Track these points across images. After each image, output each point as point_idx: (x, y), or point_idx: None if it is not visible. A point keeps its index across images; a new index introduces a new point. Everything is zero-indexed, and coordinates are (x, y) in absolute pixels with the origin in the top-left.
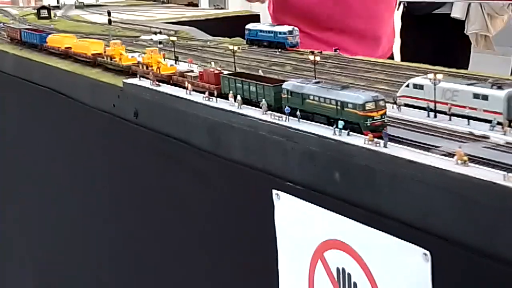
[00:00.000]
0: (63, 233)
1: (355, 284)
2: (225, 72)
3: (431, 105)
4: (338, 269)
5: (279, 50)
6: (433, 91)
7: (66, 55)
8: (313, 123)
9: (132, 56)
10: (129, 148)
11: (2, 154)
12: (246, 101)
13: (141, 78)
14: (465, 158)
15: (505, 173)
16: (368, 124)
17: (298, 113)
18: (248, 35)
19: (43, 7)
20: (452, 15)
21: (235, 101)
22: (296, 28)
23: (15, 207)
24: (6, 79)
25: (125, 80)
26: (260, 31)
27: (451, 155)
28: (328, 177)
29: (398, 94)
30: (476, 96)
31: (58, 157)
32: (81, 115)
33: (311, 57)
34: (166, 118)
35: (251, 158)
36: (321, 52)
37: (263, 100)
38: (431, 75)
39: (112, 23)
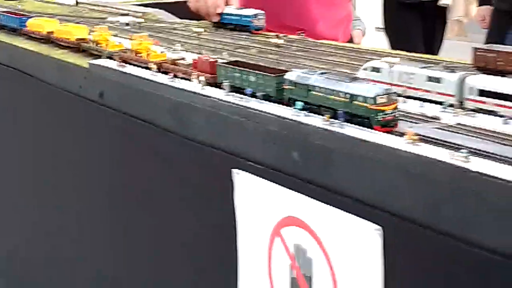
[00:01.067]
0: (27, 209)
1: (310, 259)
2: (222, 60)
3: (397, 88)
4: (295, 245)
5: (246, 33)
6: (389, 74)
7: (48, 40)
8: (274, 104)
9: (119, 42)
10: (95, 129)
11: None
12: (243, 91)
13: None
14: (415, 137)
15: (452, 151)
16: (380, 119)
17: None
18: (221, 18)
19: None
20: (439, 3)
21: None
22: (261, 12)
23: None
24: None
25: (91, 61)
26: (226, 14)
27: (403, 135)
28: (287, 156)
29: (360, 74)
30: (430, 79)
31: (26, 138)
32: (48, 96)
33: (274, 40)
34: (131, 99)
35: (212, 138)
36: (286, 36)
37: (264, 90)
38: (387, 59)
39: (79, 5)
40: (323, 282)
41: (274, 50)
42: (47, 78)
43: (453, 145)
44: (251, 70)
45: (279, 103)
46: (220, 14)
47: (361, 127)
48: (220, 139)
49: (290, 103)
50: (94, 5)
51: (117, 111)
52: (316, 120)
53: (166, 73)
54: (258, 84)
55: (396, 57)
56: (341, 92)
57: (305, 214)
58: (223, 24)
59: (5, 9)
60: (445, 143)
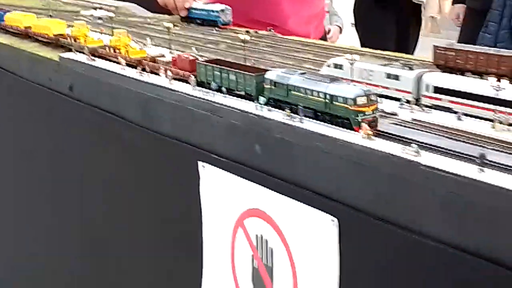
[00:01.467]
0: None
1: (271, 249)
2: (202, 58)
3: (356, 84)
4: (256, 236)
5: (215, 28)
6: (350, 71)
7: (25, 35)
8: (238, 98)
9: (98, 38)
10: (64, 120)
11: None
12: (226, 90)
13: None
14: (370, 132)
15: (404, 146)
16: (359, 120)
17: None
18: (189, 13)
19: None
20: (414, 0)
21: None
22: (228, 7)
23: None
24: None
25: (61, 55)
26: (194, 9)
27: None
28: (249, 149)
29: (323, 70)
30: (388, 76)
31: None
32: (19, 89)
33: (242, 36)
34: (100, 92)
35: (179, 131)
36: (256, 32)
37: (244, 89)
38: (349, 56)
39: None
40: (283, 272)
41: (242, 46)
42: (18, 71)
43: (406, 140)
44: (231, 69)
45: (250, 100)
46: (188, 9)
47: (320, 122)
48: (185, 132)
49: (270, 102)
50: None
51: (86, 103)
52: (277, 115)
53: (144, 69)
54: (238, 83)
55: (360, 54)
56: (321, 92)
57: (267, 206)
58: (191, 18)
59: None
60: (399, 138)
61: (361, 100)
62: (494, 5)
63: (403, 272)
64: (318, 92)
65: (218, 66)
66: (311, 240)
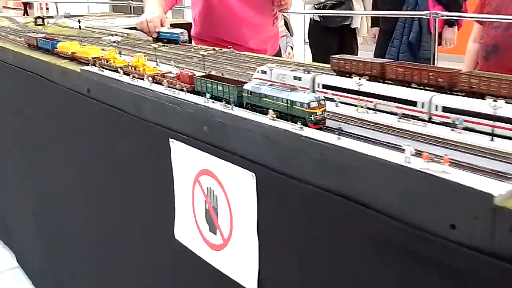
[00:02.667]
0: (41, 180)
1: (216, 196)
2: (197, 74)
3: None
4: (207, 188)
5: (193, 48)
6: (271, 75)
7: (72, 58)
8: (193, 95)
9: (123, 59)
10: (83, 114)
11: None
12: (215, 98)
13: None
14: (274, 115)
15: (293, 124)
16: (312, 119)
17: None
18: (159, 35)
19: (39, 17)
20: (352, 26)
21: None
22: (185, 31)
23: (13, 157)
24: (21, 74)
25: (81, 68)
26: (162, 32)
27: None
28: (200, 129)
29: (253, 77)
30: (295, 77)
31: (41, 122)
32: (55, 92)
33: (201, 52)
34: (107, 93)
35: (156, 117)
36: (220, 49)
37: (228, 97)
38: (269, 64)
39: (83, 28)
40: (224, 212)
41: (209, 59)
42: (56, 80)
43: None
44: (219, 82)
45: (240, 106)
46: (158, 32)
47: (245, 110)
48: (161, 118)
49: (247, 107)
50: (95, 28)
51: (99, 101)
52: (217, 105)
53: (159, 83)
54: (224, 92)
55: (280, 63)
56: (283, 99)
57: (213, 167)
58: (160, 39)
59: (40, 35)
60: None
61: (313, 104)
62: (397, 27)
63: (296, 211)
64: (282, 98)
65: (209, 79)
66: (240, 189)
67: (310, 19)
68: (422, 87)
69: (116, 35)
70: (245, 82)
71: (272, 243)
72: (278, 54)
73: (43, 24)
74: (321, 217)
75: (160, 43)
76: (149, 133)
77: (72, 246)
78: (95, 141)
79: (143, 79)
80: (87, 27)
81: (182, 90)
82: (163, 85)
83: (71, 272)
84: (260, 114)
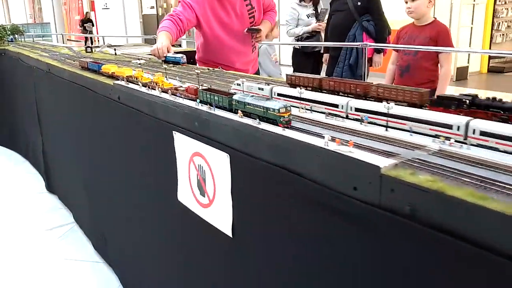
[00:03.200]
0: (88, 161)
1: (204, 171)
2: (201, 88)
3: (246, 92)
4: (198, 164)
5: (192, 68)
6: (243, 86)
7: (112, 76)
8: (182, 98)
9: (148, 77)
10: (115, 115)
11: (52, 121)
12: (211, 105)
13: (149, 89)
14: (241, 114)
15: (252, 120)
16: (282, 120)
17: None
18: (166, 58)
19: (89, 47)
20: (322, 52)
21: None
22: (183, 55)
23: (69, 144)
24: (73, 86)
25: (114, 81)
26: (168, 56)
27: (237, 112)
28: (193, 124)
29: (232, 87)
30: (259, 88)
31: (87, 120)
32: (96, 99)
33: (196, 71)
34: (131, 99)
35: (165, 116)
36: (213, 69)
37: (222, 104)
38: (242, 79)
39: (119, 54)
40: (209, 181)
41: (203, 75)
42: (98, 90)
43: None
44: (215, 94)
45: (230, 111)
46: (165, 57)
47: (222, 111)
48: (167, 117)
49: (235, 111)
50: (127, 54)
51: (126, 105)
52: (204, 107)
53: (174, 95)
54: (219, 101)
55: (251, 79)
56: (261, 106)
57: (202, 150)
58: (167, 61)
59: (90, 60)
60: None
61: (282, 110)
62: (341, 54)
63: (256, 180)
64: (260, 105)
65: (209, 91)
66: (219, 165)
67: (293, 47)
68: (346, 95)
69: (141, 59)
70: (234, 94)
71: (240, 202)
72: (257, 72)
73: (91, 52)
74: (271, 183)
75: (168, 65)
76: (159, 127)
77: (109, 209)
78: (123, 133)
79: (157, 90)
80: (122, 53)
81: (189, 99)
82: (168, 93)
83: (109, 227)
84: (232, 113)
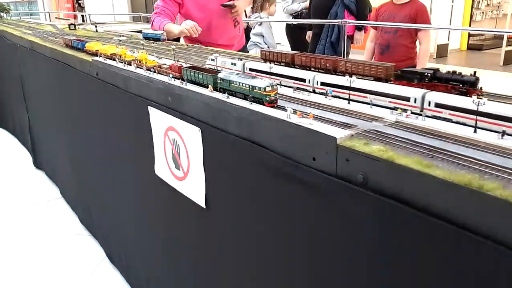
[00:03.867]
0: (71, 135)
1: (178, 145)
2: (184, 65)
3: (218, 68)
4: (173, 139)
5: (170, 44)
6: (217, 61)
7: (96, 54)
8: (160, 75)
9: (131, 54)
10: (93, 89)
11: (37, 98)
12: (196, 83)
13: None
14: (211, 88)
15: (223, 94)
16: (267, 99)
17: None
18: (144, 35)
19: (72, 24)
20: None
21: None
22: (163, 32)
23: (53, 119)
24: (54, 64)
25: (92, 58)
26: (148, 33)
27: (208, 87)
28: (166, 99)
29: (206, 62)
30: (232, 63)
31: (65, 97)
32: (76, 75)
33: (172, 47)
34: (110, 74)
35: (139, 91)
36: (192, 45)
37: (207, 83)
38: (216, 55)
39: (101, 32)
40: (183, 155)
41: (181, 51)
42: (77, 67)
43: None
44: (199, 71)
45: (215, 90)
46: (145, 33)
47: (194, 85)
48: (142, 92)
49: (220, 90)
50: (108, 32)
51: (104, 81)
52: (177, 82)
53: (158, 72)
54: (203, 79)
55: (228, 54)
56: (247, 84)
57: (175, 124)
58: (147, 38)
59: (74, 38)
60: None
61: (268, 88)
62: (323, 31)
63: (225, 151)
64: (245, 84)
65: (193, 69)
66: (192, 139)
67: (286, 24)
68: (317, 70)
69: (122, 36)
70: (219, 72)
71: (212, 173)
72: (244, 48)
73: (74, 29)
74: (239, 155)
75: (149, 41)
76: (135, 102)
77: (93, 183)
78: (103, 108)
79: (142, 68)
80: (105, 30)
81: (174, 77)
82: (142, 69)
83: (93, 201)
84: (203, 87)
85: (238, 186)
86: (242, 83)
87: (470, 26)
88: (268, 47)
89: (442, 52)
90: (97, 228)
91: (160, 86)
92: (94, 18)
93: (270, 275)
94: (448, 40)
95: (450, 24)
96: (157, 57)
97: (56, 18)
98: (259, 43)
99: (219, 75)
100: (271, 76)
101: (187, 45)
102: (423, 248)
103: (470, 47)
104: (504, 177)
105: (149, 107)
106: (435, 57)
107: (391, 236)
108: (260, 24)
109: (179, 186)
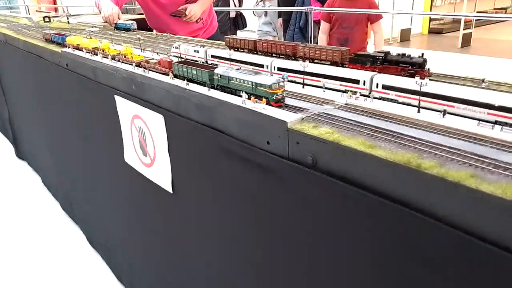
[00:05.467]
0: (48, 125)
1: (144, 132)
2: (174, 60)
3: (182, 56)
4: (139, 126)
5: (139, 33)
6: (180, 49)
7: (77, 48)
8: (124, 64)
9: (115, 49)
10: (64, 80)
11: (15, 90)
12: (190, 80)
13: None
14: (172, 75)
15: (182, 81)
16: (274, 98)
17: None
18: (117, 25)
19: (47, 16)
20: None
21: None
22: (134, 22)
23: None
24: (27, 56)
25: (62, 49)
26: (119, 23)
27: (169, 74)
28: (131, 87)
29: (171, 51)
30: (195, 51)
31: (39, 88)
32: (48, 67)
33: (139, 36)
34: (78, 65)
35: (105, 81)
36: (162, 34)
37: (202, 80)
38: (180, 42)
39: (72, 23)
40: (149, 142)
41: (149, 39)
42: (48, 58)
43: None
44: (194, 67)
45: (211, 88)
46: (116, 23)
47: (156, 74)
48: (109, 81)
49: (217, 88)
50: (81, 23)
51: (75, 72)
52: (139, 71)
53: (144, 68)
54: (198, 75)
55: (191, 42)
56: (249, 81)
57: (141, 113)
58: (118, 28)
59: (53, 31)
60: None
61: (275, 86)
62: (292, 17)
63: (186, 136)
64: (248, 81)
65: (185, 65)
66: (156, 126)
67: None
68: (278, 56)
69: (94, 27)
70: (215, 67)
71: (177, 159)
72: (215, 36)
73: (49, 21)
74: (200, 140)
75: (119, 31)
76: (103, 91)
77: (71, 170)
78: (75, 98)
79: (131, 64)
80: (78, 22)
81: (163, 74)
82: (108, 58)
83: (72, 188)
84: (164, 75)
85: (201, 171)
86: (244, 80)
87: (431, 11)
88: (277, 34)
89: (405, 36)
90: (78, 214)
91: (124, 75)
92: (72, 10)
93: (233, 252)
94: (411, 24)
95: (412, 9)
96: (126, 47)
97: (36, 11)
98: (270, 32)
99: (217, 70)
100: (232, 63)
101: (156, 34)
102: (370, 225)
103: (431, 31)
104: (442, 155)
105: (115, 96)
106: (399, 41)
107: (341, 216)
108: (266, 14)
109: (147, 173)
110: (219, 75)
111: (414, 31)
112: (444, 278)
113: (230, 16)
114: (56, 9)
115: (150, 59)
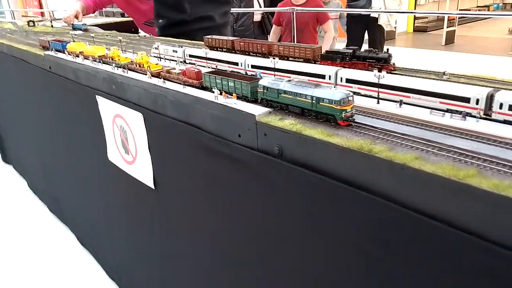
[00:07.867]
0: (34, 127)
1: (126, 130)
2: (203, 70)
3: (162, 56)
4: (120, 125)
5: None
6: (159, 49)
7: (79, 56)
8: (105, 65)
9: (126, 57)
10: (49, 84)
11: (1, 91)
12: (226, 92)
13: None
14: (150, 75)
15: (159, 79)
16: (343, 116)
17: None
18: (74, 26)
19: (31, 21)
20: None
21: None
22: (85, 23)
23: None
24: (12, 60)
25: (44, 52)
26: (75, 24)
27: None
28: (111, 87)
29: (151, 51)
30: (173, 51)
31: (24, 92)
32: (32, 70)
33: (120, 37)
34: (60, 68)
35: (87, 81)
36: (145, 35)
37: (241, 93)
38: (159, 43)
39: (56, 27)
40: (131, 140)
41: (133, 41)
42: (31, 61)
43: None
44: (230, 78)
45: (253, 101)
46: (72, 24)
47: (132, 72)
48: (90, 82)
49: (263, 102)
50: (65, 27)
51: (58, 75)
52: (119, 71)
53: (165, 80)
54: (236, 88)
55: (170, 42)
56: (308, 95)
57: (121, 112)
58: (74, 28)
59: (52, 39)
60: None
61: (344, 101)
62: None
63: (165, 133)
64: (306, 95)
65: (218, 75)
66: (136, 124)
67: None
68: (255, 55)
69: (78, 30)
70: (258, 78)
71: (157, 156)
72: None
73: (34, 26)
74: (177, 136)
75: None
76: (85, 92)
77: (58, 172)
78: (55, 97)
79: (145, 74)
80: (62, 26)
81: (190, 85)
82: (89, 60)
83: (60, 190)
84: (142, 74)
85: (180, 166)
86: (301, 94)
87: (415, 9)
88: None
89: (390, 35)
90: (66, 215)
91: (104, 75)
92: (58, 15)
93: (213, 241)
94: (396, 23)
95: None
96: (107, 48)
97: (22, 16)
98: None
99: (261, 82)
100: (208, 61)
101: (139, 35)
102: (329, 207)
103: (416, 29)
104: (393, 141)
105: (97, 96)
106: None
107: (306, 202)
108: None
109: (129, 170)
110: (265, 88)
111: (400, 29)
112: (396, 253)
113: (254, 20)
114: (42, 14)
115: (172, 69)
